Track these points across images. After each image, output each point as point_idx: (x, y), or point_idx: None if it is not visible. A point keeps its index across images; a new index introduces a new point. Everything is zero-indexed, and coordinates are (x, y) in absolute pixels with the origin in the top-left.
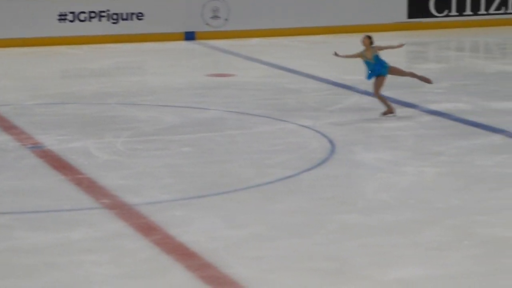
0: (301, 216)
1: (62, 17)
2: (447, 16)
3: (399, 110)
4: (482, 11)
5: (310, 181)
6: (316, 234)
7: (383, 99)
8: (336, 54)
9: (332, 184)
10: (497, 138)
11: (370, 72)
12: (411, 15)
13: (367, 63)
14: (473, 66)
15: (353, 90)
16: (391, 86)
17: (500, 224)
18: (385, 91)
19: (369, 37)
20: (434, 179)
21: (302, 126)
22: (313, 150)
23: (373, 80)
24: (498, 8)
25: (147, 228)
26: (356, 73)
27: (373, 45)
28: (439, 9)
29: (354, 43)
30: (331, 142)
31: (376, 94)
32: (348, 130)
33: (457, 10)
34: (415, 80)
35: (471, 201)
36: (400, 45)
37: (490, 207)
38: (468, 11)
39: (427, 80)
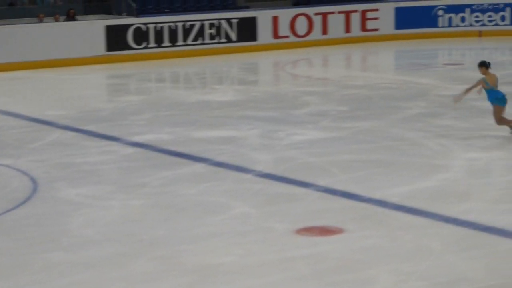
0: (4, 258)
1: None
2: (145, 48)
3: (101, 144)
4: (180, 42)
5: (12, 222)
6: (20, 275)
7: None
8: (458, 99)
9: (35, 223)
10: (199, 167)
11: (502, 98)
12: (110, 47)
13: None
14: (174, 96)
15: (54, 126)
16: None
17: (206, 251)
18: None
19: (480, 64)
20: (139, 211)
21: (2, 165)
22: (15, 189)
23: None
24: (195, 39)
25: None
26: (57, 108)
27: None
28: (138, 41)
29: (54, 78)
30: (33, 180)
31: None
32: (51, 167)
33: (156, 42)
34: (116, 112)
35: (176, 231)
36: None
37: (195, 236)
38: (166, 42)
39: None
